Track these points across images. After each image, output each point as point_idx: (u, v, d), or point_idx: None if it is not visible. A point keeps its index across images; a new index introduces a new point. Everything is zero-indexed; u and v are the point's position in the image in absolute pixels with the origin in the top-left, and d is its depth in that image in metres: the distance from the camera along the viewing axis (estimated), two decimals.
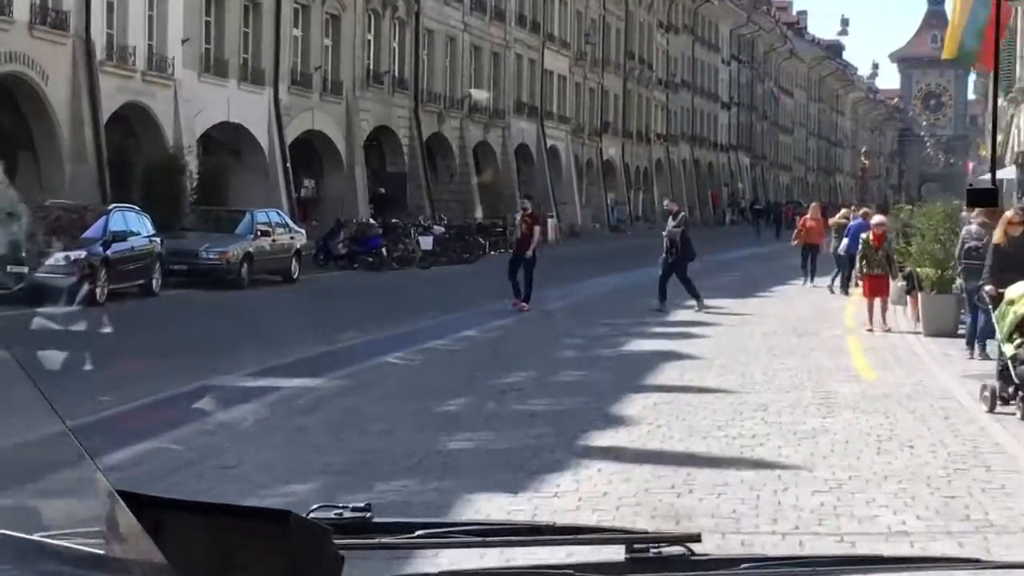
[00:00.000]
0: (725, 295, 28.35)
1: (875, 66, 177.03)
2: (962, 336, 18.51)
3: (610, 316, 23.11)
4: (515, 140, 58.66)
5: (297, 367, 15.45)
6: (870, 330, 20.05)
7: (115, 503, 1.49)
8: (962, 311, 19.19)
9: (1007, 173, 60.30)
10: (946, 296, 19.45)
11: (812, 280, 30.33)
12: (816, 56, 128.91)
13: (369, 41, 45.86)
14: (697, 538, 1.88)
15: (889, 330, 20.06)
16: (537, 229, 24.53)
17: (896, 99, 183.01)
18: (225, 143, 38.31)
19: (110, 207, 24.88)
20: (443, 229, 39.81)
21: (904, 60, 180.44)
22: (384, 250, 35.57)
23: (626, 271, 37.18)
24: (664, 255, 24.35)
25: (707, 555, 1.89)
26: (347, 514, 1.79)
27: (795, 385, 14.47)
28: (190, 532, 1.54)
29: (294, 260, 30.69)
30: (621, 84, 74.68)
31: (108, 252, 23.03)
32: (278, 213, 31.29)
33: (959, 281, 18.28)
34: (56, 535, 1.62)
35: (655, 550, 1.81)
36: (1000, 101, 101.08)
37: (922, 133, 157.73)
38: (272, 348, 17.29)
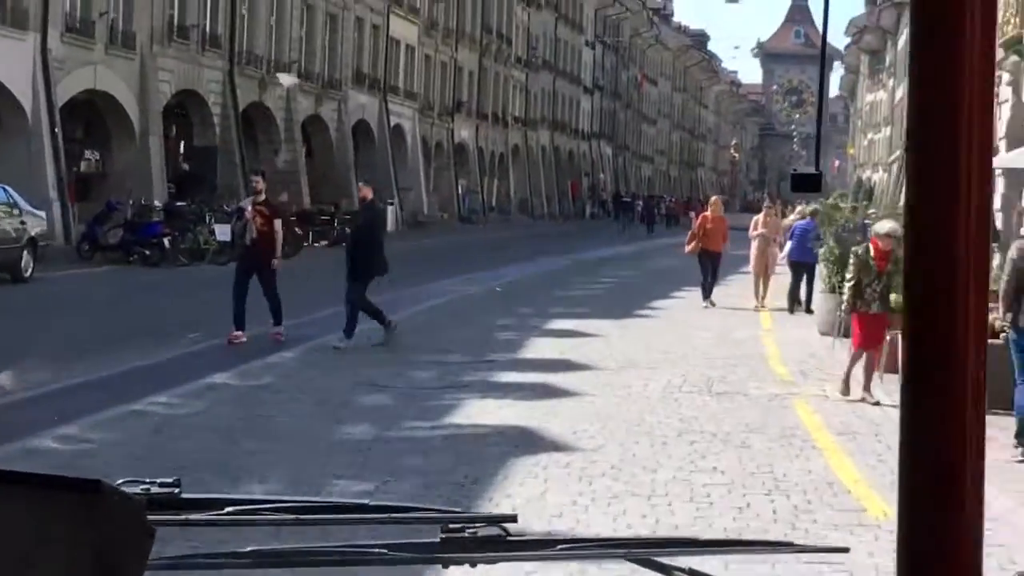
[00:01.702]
0: (594, 314, 21.65)
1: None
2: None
3: (439, 349, 16.21)
4: (353, 116, 51.36)
5: None
6: (865, 400, 12.92)
7: None
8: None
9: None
10: None
11: (708, 296, 23.49)
12: (682, 45, 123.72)
13: None
14: (513, 519, 1.84)
15: (877, 403, 13.03)
16: (279, 224, 16.87)
17: (760, 94, 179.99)
18: None
19: None
20: None
21: (767, 55, 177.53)
22: (167, 241, 28.15)
23: (473, 273, 30.39)
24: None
25: (522, 536, 1.87)
26: (155, 489, 1.75)
27: (763, 536, 7.66)
28: None
29: (26, 252, 23.12)
30: (477, 60, 67.75)
31: None
32: (4, 190, 23.62)
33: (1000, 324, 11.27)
34: None
35: (471, 530, 1.79)
36: (875, 96, 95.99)
37: (792, 129, 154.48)
38: None
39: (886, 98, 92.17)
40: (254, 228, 16.18)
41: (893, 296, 12.80)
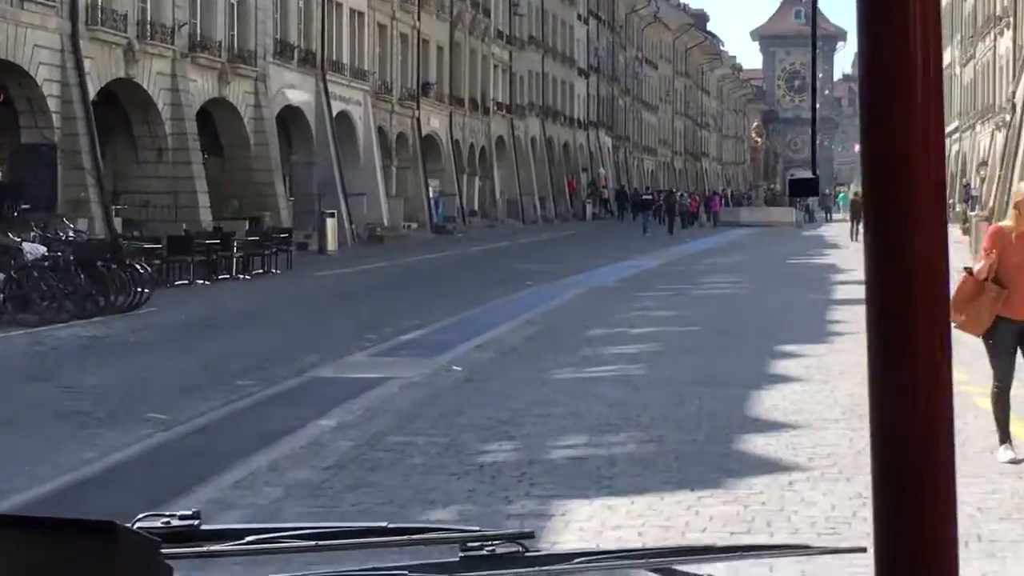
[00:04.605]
0: (653, 467, 9.11)
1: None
2: None
3: None
4: (278, 101, 38.79)
5: None
6: None
7: None
8: None
9: None
10: None
11: (1007, 440, 9.24)
12: (682, 23, 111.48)
13: None
14: (531, 535, 1.88)
15: None
16: None
17: (760, 79, 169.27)
18: None
19: None
20: (44, 249, 19.74)
21: (766, 38, 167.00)
22: None
23: (426, 325, 18.13)
24: None
25: (540, 551, 1.88)
26: (175, 522, 1.77)
27: None
28: (7, 548, 1.41)
29: None
30: (447, 32, 55.18)
31: None
32: None
33: None
34: None
35: (489, 548, 1.82)
36: None
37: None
38: None
39: None
40: None
41: None
